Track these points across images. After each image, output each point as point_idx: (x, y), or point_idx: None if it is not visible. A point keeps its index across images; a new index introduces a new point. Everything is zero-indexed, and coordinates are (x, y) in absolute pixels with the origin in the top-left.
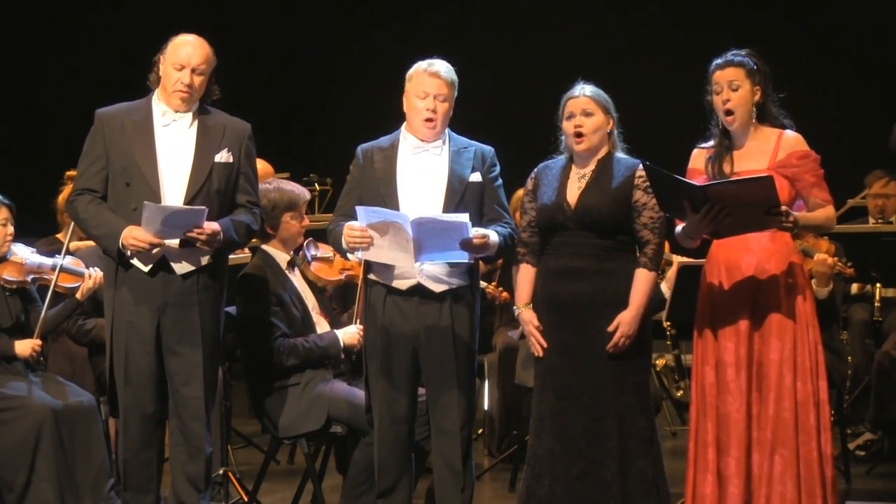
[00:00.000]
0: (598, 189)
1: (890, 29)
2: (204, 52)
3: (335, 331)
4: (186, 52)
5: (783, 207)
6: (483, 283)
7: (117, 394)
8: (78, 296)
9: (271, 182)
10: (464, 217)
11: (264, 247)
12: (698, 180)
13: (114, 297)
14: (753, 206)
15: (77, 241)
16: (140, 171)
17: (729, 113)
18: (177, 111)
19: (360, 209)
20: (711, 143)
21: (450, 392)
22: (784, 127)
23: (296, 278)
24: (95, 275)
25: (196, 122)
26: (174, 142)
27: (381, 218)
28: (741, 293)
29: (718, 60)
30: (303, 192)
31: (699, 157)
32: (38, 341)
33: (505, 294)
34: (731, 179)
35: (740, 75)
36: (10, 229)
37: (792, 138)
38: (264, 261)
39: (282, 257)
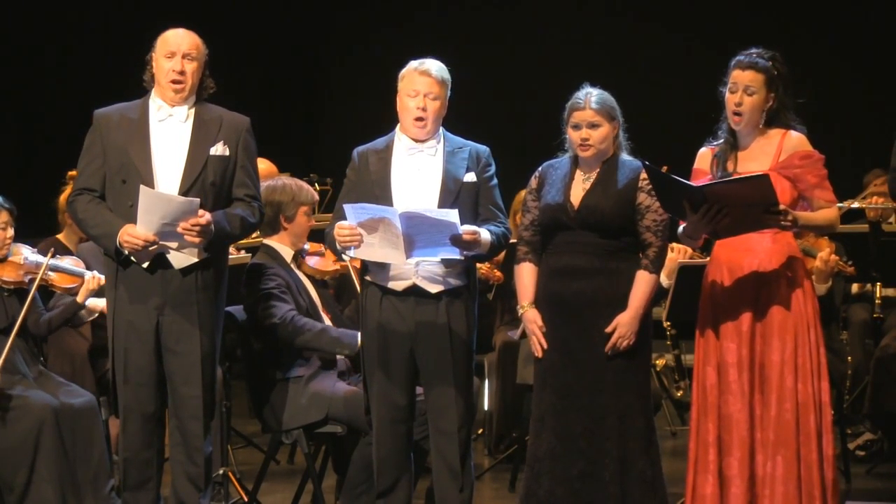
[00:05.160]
0: (601, 190)
1: (889, 28)
2: (193, 39)
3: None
4: (176, 40)
5: (781, 206)
6: (477, 265)
7: (117, 393)
8: (79, 298)
9: (287, 179)
10: (452, 212)
11: (267, 241)
12: (700, 181)
13: (114, 297)
14: (752, 205)
15: (78, 241)
16: (135, 167)
17: (737, 114)
18: (173, 105)
19: (347, 207)
20: (719, 141)
21: (448, 392)
22: (790, 127)
23: (300, 273)
24: (97, 277)
25: (192, 116)
26: (169, 136)
27: (369, 214)
28: (743, 294)
29: (742, 58)
30: (315, 194)
31: (704, 158)
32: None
33: (499, 273)
34: (727, 179)
35: (759, 82)
36: (10, 232)
37: (795, 139)
38: (269, 254)
39: (287, 252)
